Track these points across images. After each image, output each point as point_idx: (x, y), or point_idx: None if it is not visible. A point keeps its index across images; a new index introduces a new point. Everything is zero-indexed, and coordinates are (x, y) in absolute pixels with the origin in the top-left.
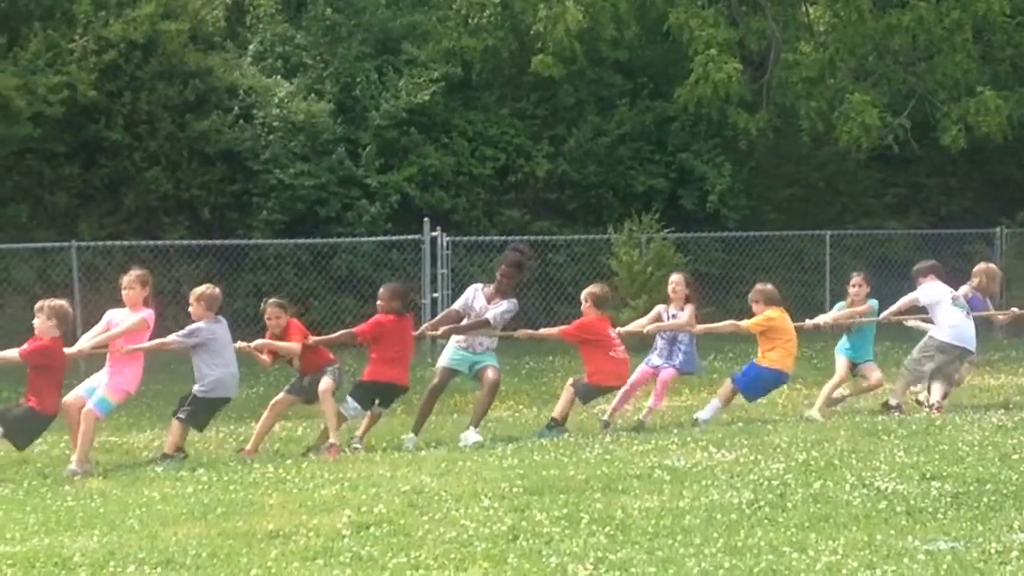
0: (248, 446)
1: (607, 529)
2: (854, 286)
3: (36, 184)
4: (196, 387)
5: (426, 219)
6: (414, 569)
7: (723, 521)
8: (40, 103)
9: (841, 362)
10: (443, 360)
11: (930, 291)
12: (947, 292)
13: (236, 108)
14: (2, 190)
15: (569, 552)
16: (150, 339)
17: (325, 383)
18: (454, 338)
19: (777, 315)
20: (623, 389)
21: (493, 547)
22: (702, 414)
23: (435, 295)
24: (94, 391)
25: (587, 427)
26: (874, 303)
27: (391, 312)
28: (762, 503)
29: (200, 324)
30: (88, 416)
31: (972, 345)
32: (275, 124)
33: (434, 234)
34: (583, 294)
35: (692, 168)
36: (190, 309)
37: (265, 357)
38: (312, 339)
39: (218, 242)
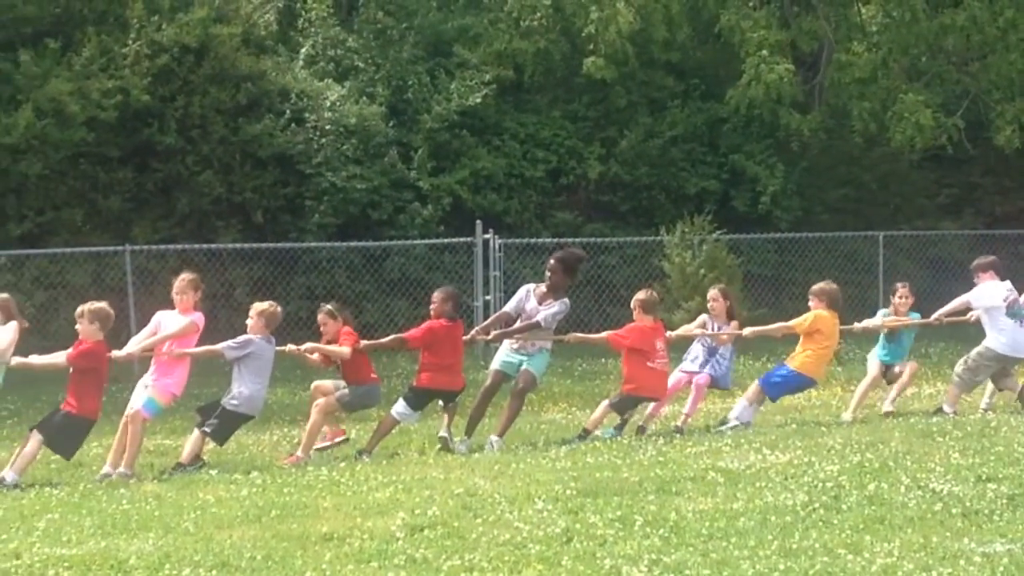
0: (300, 452)
1: (661, 531)
2: (900, 297)
3: (90, 188)
4: (227, 400)
5: (478, 221)
6: (468, 571)
7: (777, 523)
8: (94, 108)
9: (873, 365)
10: (495, 363)
11: (985, 294)
12: (1002, 296)
13: (288, 112)
14: (56, 194)
15: (623, 554)
16: (198, 343)
17: (326, 400)
18: (509, 342)
19: (826, 316)
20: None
21: (547, 549)
22: (741, 417)
23: (487, 297)
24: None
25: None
26: (915, 316)
27: (443, 315)
28: (816, 505)
29: (253, 337)
30: (136, 418)
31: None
32: (327, 127)
33: (486, 236)
34: (632, 301)
35: (744, 169)
36: (248, 321)
37: (316, 358)
38: (363, 343)
39: (271, 245)
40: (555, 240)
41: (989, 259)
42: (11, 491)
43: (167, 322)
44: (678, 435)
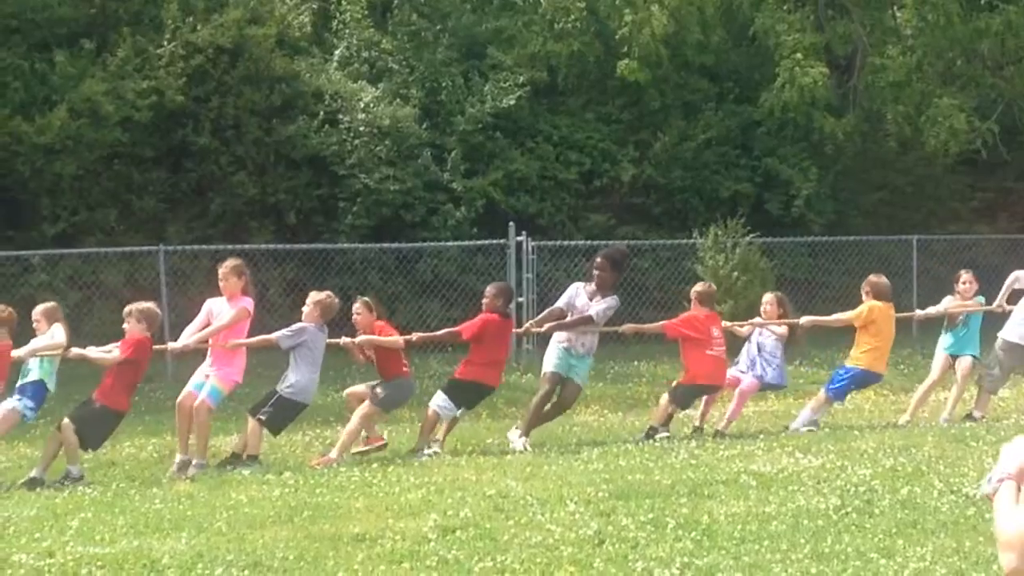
0: (333, 452)
1: (693, 534)
2: (964, 283)
3: (124, 188)
4: (283, 388)
5: (511, 224)
6: (500, 573)
7: (810, 527)
8: (128, 108)
9: (939, 361)
10: (549, 365)
11: None
12: None
13: (322, 113)
14: (90, 194)
15: (655, 557)
16: (249, 329)
17: (370, 407)
18: (558, 342)
19: (880, 307)
20: (705, 398)
21: (579, 552)
22: (795, 423)
23: (520, 299)
24: (202, 385)
25: (672, 431)
26: (980, 298)
27: (495, 310)
28: (849, 509)
29: (307, 326)
30: (202, 408)
31: None
32: (361, 129)
33: (519, 239)
34: (691, 292)
35: (778, 173)
36: (304, 309)
37: (364, 355)
38: (416, 335)
39: (304, 246)
40: (588, 242)
41: None
42: (77, 483)
43: (218, 310)
44: (719, 439)
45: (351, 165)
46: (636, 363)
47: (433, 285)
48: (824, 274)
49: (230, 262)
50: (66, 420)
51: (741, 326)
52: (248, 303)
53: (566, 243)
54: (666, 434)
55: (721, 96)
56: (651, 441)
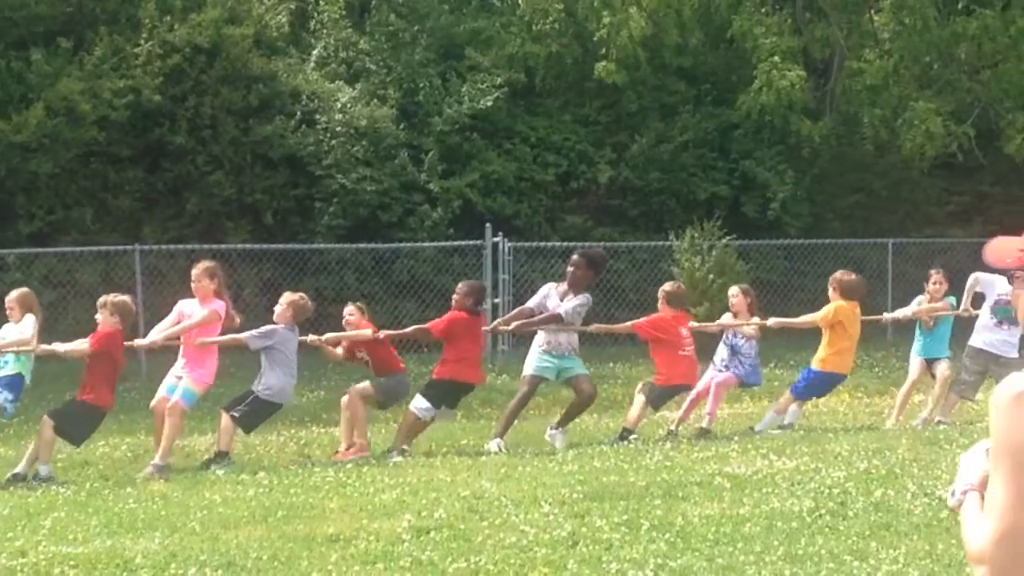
0: (342, 447)
1: (667, 536)
2: (935, 283)
3: (100, 187)
4: (260, 388)
5: (488, 225)
6: (474, 574)
7: (783, 529)
8: (105, 107)
9: (915, 364)
10: (529, 368)
11: (993, 279)
12: (998, 291)
13: (299, 113)
14: (67, 193)
15: (629, 558)
16: (221, 331)
17: (360, 387)
18: (538, 345)
19: (846, 307)
20: (689, 398)
21: (553, 553)
22: (760, 425)
23: (496, 300)
24: (174, 388)
25: (647, 433)
26: (950, 299)
27: (465, 308)
28: (823, 511)
29: (278, 327)
30: (176, 409)
31: (1003, 351)
32: (338, 129)
33: (496, 240)
34: (659, 292)
35: (755, 175)
36: (276, 308)
37: (338, 351)
38: (384, 333)
39: (280, 246)
40: (564, 244)
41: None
42: (47, 484)
43: (189, 311)
44: (703, 439)
45: (328, 165)
46: (611, 365)
47: (409, 286)
48: (800, 277)
49: (203, 264)
50: (46, 417)
51: (708, 327)
52: (220, 306)
53: (543, 244)
54: (635, 436)
55: (698, 98)
56: (625, 443)
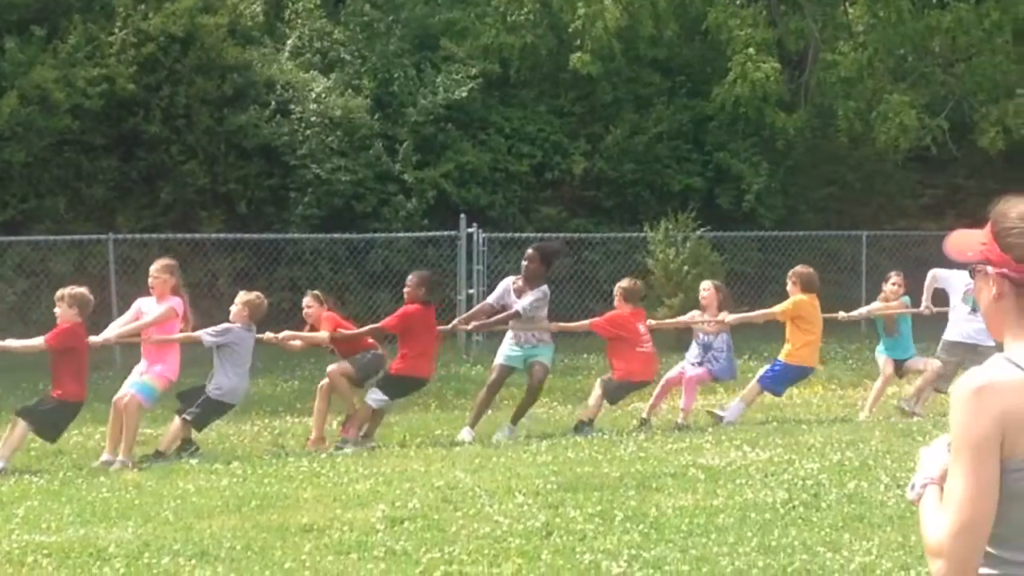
0: (351, 430)
1: (641, 527)
2: (893, 284)
3: (74, 176)
4: (210, 388)
5: (462, 215)
6: (448, 564)
7: (757, 520)
8: (79, 95)
9: (882, 360)
10: (499, 358)
11: (951, 274)
12: (964, 282)
13: (273, 103)
14: (40, 182)
15: (603, 549)
16: (181, 327)
17: (337, 366)
18: (509, 335)
19: (805, 300)
20: (659, 385)
21: (527, 543)
22: (727, 416)
23: (471, 291)
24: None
25: (621, 424)
26: (906, 298)
27: (417, 300)
28: (796, 503)
29: (234, 326)
30: (132, 404)
31: (979, 340)
32: (312, 119)
33: (470, 230)
34: (615, 289)
35: (729, 167)
36: (232, 308)
37: (296, 344)
38: (340, 332)
39: (254, 236)
40: (539, 235)
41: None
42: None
43: (147, 308)
44: (678, 431)
45: (302, 155)
46: (585, 356)
47: (384, 276)
48: (774, 268)
49: (162, 261)
50: (19, 416)
51: (664, 324)
52: (177, 303)
53: (517, 235)
54: (589, 429)
55: (673, 90)
56: (580, 435)
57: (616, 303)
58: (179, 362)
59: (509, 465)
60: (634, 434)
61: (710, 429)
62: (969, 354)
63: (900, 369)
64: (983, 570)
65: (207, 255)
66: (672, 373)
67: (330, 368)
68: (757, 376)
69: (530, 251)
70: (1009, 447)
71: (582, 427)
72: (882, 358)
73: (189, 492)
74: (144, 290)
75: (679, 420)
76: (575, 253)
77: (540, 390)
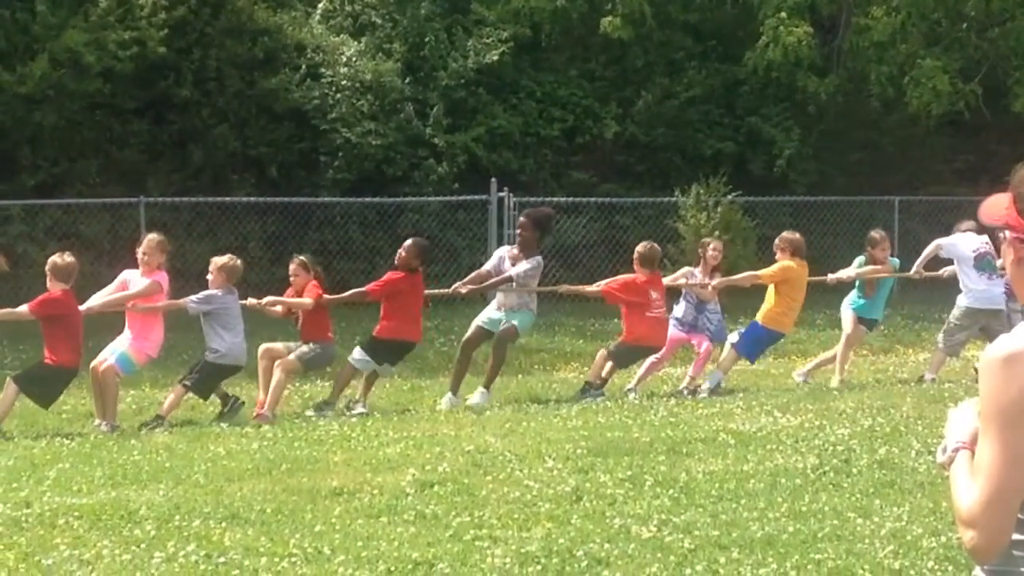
0: (264, 409)
1: (671, 492)
2: (881, 249)
3: (105, 140)
4: (207, 353)
5: (493, 180)
6: (478, 528)
7: (787, 486)
8: (110, 59)
9: (847, 317)
10: (479, 319)
11: (957, 242)
12: (972, 247)
13: (304, 67)
14: (71, 145)
15: (633, 514)
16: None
17: (289, 359)
18: (495, 300)
19: (794, 265)
20: (650, 360)
21: (557, 508)
22: (707, 384)
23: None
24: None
25: (653, 388)
26: (895, 261)
27: (407, 269)
28: (827, 468)
29: (216, 292)
30: (108, 371)
31: (1000, 304)
32: (343, 83)
33: (501, 195)
34: (635, 253)
35: (760, 132)
36: (208, 277)
37: (277, 309)
38: (326, 298)
39: (285, 200)
40: (570, 199)
41: (968, 221)
42: None
43: (133, 280)
44: (690, 397)
45: (333, 119)
46: (617, 320)
47: None
48: (806, 234)
49: (155, 237)
50: (9, 379)
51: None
52: (163, 278)
53: (548, 200)
54: (600, 395)
55: (704, 54)
56: (584, 397)
57: (635, 267)
58: (162, 341)
59: (539, 430)
60: (664, 399)
61: (740, 395)
62: (990, 319)
63: (862, 324)
64: (1016, 536)
65: (238, 219)
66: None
67: (278, 361)
68: (731, 341)
69: (522, 219)
70: None
71: (587, 389)
72: (849, 314)
73: (220, 455)
74: (174, 254)
75: (686, 386)
76: (606, 218)
77: (504, 348)
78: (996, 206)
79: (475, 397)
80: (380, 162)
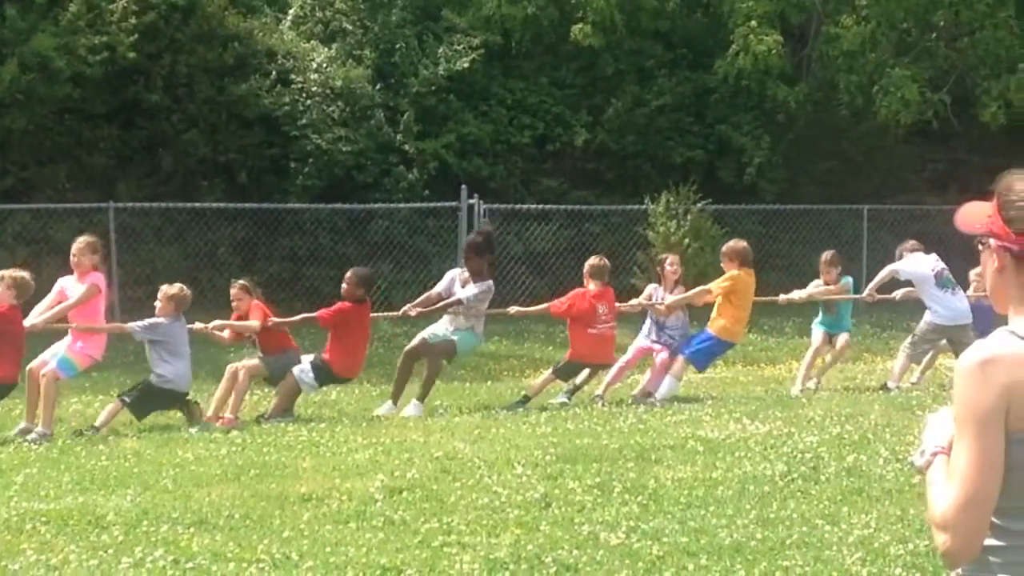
0: (228, 414)
1: (640, 498)
2: (830, 268)
3: (75, 144)
4: (152, 377)
5: (463, 186)
6: (446, 534)
7: (756, 493)
8: (80, 63)
9: (817, 334)
10: (425, 331)
11: (913, 263)
12: (929, 267)
13: (274, 73)
14: (41, 150)
15: (601, 520)
16: (103, 303)
17: (251, 364)
18: (447, 317)
19: (742, 275)
20: (617, 365)
21: (525, 514)
22: (659, 393)
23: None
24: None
25: (619, 396)
26: (848, 280)
27: (354, 298)
28: (795, 475)
29: (161, 320)
30: (49, 375)
31: (968, 318)
32: (313, 89)
33: (471, 201)
34: (585, 265)
35: (730, 140)
36: (156, 304)
37: (225, 335)
38: (272, 321)
39: (254, 205)
40: (540, 206)
41: (910, 242)
42: None
43: (69, 288)
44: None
45: (303, 125)
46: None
47: (384, 247)
48: (775, 242)
49: (84, 239)
50: None
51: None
52: (99, 278)
53: (518, 207)
54: (523, 405)
55: (675, 62)
56: (520, 409)
57: (585, 281)
58: (106, 341)
59: (508, 436)
60: (633, 406)
61: (709, 402)
62: (956, 333)
63: (832, 339)
64: (988, 541)
65: (207, 224)
66: (630, 354)
67: (241, 363)
68: (681, 349)
69: (465, 249)
70: (1013, 419)
71: (524, 400)
72: (818, 331)
73: (188, 461)
74: (144, 259)
75: (635, 393)
76: (576, 225)
77: (438, 363)
78: (975, 214)
79: (409, 409)
80: (350, 168)
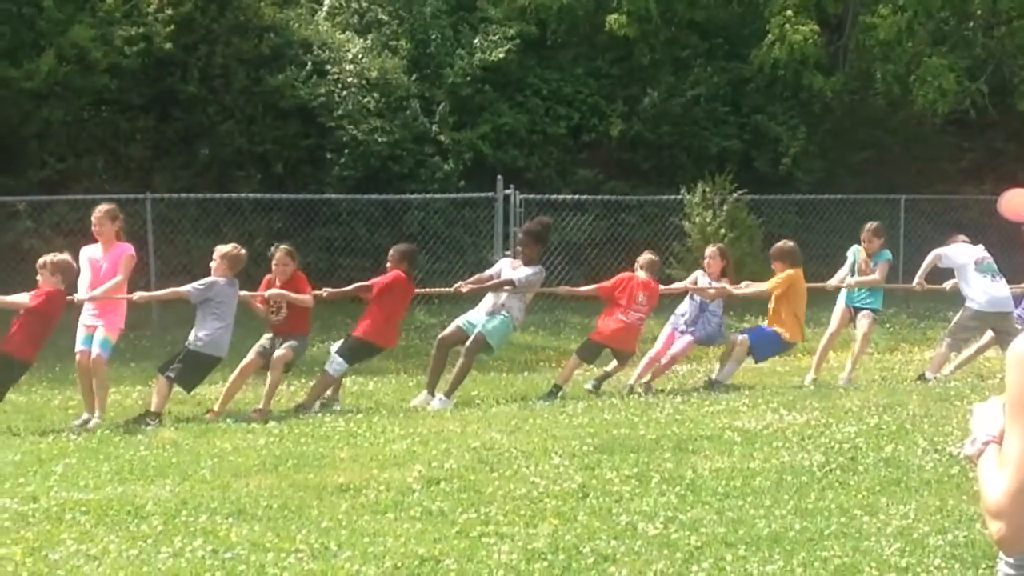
0: (216, 407)
1: (677, 489)
2: (866, 241)
3: (112, 136)
4: (191, 341)
5: (499, 177)
6: (484, 525)
7: (793, 483)
8: (116, 55)
9: (837, 314)
10: (460, 319)
11: (956, 250)
12: (971, 254)
13: (310, 64)
14: (78, 141)
15: (639, 511)
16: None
17: (282, 353)
18: (485, 304)
19: (793, 275)
20: (648, 355)
21: (563, 504)
22: (717, 375)
23: (507, 252)
24: (91, 339)
25: (658, 386)
26: (887, 254)
27: (403, 271)
28: (833, 466)
29: (217, 280)
30: (99, 363)
31: (1009, 306)
32: (349, 80)
33: (507, 192)
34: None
35: (766, 130)
36: (212, 264)
37: (260, 304)
38: (327, 291)
39: (290, 196)
40: (576, 197)
41: (960, 236)
42: None
43: (98, 257)
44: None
45: (339, 116)
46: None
47: (420, 237)
48: (811, 232)
49: (103, 207)
50: None
51: (673, 289)
52: (129, 248)
53: (554, 197)
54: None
55: (711, 52)
56: (555, 398)
57: (635, 267)
58: (126, 310)
59: (545, 427)
60: (670, 396)
61: (747, 392)
62: (998, 321)
63: (855, 318)
64: None
65: (244, 215)
66: (660, 343)
67: (276, 355)
68: (745, 334)
69: (522, 236)
70: None
71: (556, 390)
72: (840, 309)
73: (226, 451)
74: (180, 249)
75: (645, 380)
76: (612, 216)
77: (471, 357)
78: (1021, 202)
79: (435, 403)
80: (386, 159)
